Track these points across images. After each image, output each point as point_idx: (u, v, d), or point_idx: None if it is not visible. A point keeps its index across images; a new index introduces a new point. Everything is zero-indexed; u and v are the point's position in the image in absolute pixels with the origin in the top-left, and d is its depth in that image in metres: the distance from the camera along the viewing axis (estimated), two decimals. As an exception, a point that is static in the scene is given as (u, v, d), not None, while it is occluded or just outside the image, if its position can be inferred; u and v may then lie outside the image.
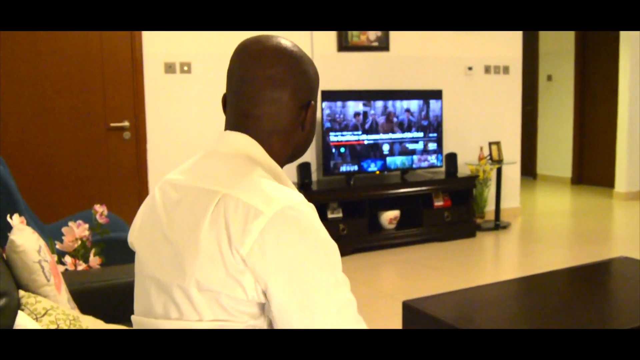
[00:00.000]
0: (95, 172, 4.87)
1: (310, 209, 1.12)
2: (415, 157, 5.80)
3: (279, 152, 1.24)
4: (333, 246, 1.11)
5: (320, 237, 1.10)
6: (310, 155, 5.63)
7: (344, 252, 5.26)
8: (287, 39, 1.24)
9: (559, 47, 9.18)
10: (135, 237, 1.27)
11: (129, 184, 4.96)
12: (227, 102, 1.27)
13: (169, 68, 5.06)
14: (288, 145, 1.25)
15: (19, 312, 1.55)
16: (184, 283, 1.10)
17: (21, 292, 1.70)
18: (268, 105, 1.21)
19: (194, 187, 1.17)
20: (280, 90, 1.20)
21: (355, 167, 5.54)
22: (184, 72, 5.11)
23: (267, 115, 1.21)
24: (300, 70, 1.22)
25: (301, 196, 1.13)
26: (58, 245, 2.75)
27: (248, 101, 1.21)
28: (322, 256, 1.08)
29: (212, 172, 1.19)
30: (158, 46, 5.00)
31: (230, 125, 1.24)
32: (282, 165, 1.26)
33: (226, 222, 1.08)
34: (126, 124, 4.94)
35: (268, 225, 1.06)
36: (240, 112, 1.22)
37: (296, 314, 1.06)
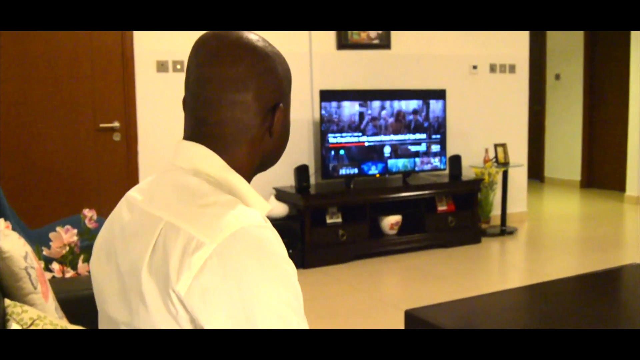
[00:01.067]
0: (84, 175, 4.87)
1: (266, 233, 1.01)
2: (417, 159, 5.80)
3: (245, 163, 1.14)
4: (292, 281, 1.00)
5: (278, 270, 0.99)
6: (308, 158, 5.63)
7: (343, 258, 5.27)
8: (255, 33, 1.16)
9: (568, 44, 9.19)
10: (93, 259, 1.21)
11: (119, 188, 4.95)
12: (185, 107, 1.17)
13: (161, 66, 5.06)
14: (255, 155, 1.15)
15: (7, 323, 1.54)
16: (131, 323, 1.06)
17: (7, 301, 1.69)
18: (229, 110, 1.11)
19: (143, 212, 1.10)
20: (242, 92, 1.10)
21: (355, 170, 5.55)
22: (177, 71, 5.11)
23: (228, 122, 1.11)
24: (265, 68, 1.12)
25: (257, 217, 1.03)
26: (45, 252, 2.75)
27: (206, 106, 1.11)
28: (277, 295, 0.97)
29: (161, 192, 1.11)
30: (150, 44, 5.00)
31: (187, 134, 1.15)
32: (249, 177, 1.16)
33: (165, 257, 0.99)
34: (116, 124, 4.94)
35: (211, 259, 0.96)
36: (197, 118, 1.13)
37: None
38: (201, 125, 1.12)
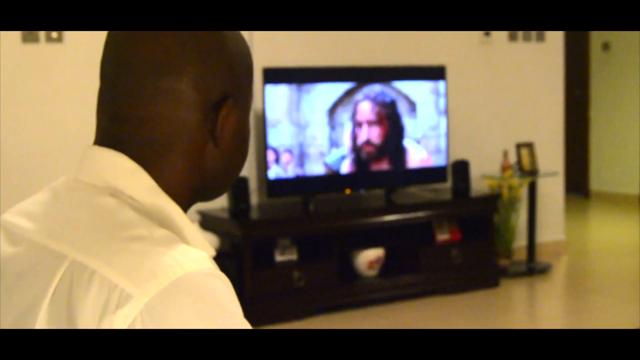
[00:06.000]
0: None
1: (216, 283, 1.02)
2: (406, 167, 5.81)
3: (178, 182, 1.14)
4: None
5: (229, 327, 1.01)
6: (247, 168, 5.60)
7: (301, 313, 5.26)
8: None
9: None
10: None
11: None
12: (98, 102, 1.18)
13: (29, 35, 5.01)
14: (194, 172, 1.15)
15: None
16: None
17: None
18: (154, 103, 1.11)
19: (36, 244, 1.09)
20: (175, 77, 1.11)
21: (316, 184, 5.54)
22: (52, 41, 5.08)
23: (154, 120, 1.11)
24: (211, 45, 1.13)
25: (205, 260, 1.03)
26: None
27: (124, 97, 1.12)
28: None
29: (63, 218, 1.10)
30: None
31: (100, 137, 1.16)
32: (184, 204, 1.16)
33: (70, 311, 0.99)
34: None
35: (141, 318, 0.96)
36: (112, 114, 1.14)
37: None
38: (118, 124, 1.13)
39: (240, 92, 1.17)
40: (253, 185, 5.62)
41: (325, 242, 5.42)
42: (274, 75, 5.40)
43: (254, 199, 5.62)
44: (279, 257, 5.32)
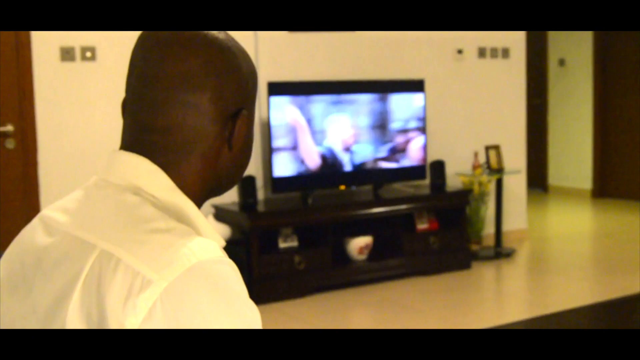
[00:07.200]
0: (-31, 193, 4.79)
1: (225, 269, 1.03)
2: (391, 166, 5.81)
3: (196, 182, 1.15)
4: (255, 327, 1.03)
5: (239, 317, 1.01)
6: (255, 167, 5.61)
7: (301, 291, 5.25)
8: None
9: (573, 23, 9.32)
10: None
11: (13, 207, 4.87)
12: (125, 110, 1.19)
13: (66, 54, 5.00)
14: (210, 172, 1.16)
15: None
16: None
17: None
18: (179, 114, 1.12)
19: (69, 235, 1.09)
20: (197, 92, 1.12)
21: (314, 181, 5.54)
22: (87, 60, 5.06)
23: (178, 129, 1.12)
24: (227, 64, 1.14)
25: (216, 249, 1.05)
26: None
27: (150, 108, 1.13)
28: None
29: (93, 212, 1.11)
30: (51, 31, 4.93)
31: (126, 142, 1.16)
32: (200, 200, 1.17)
33: (100, 295, 0.99)
34: (9, 128, 4.87)
35: (160, 301, 0.97)
36: (139, 123, 1.14)
37: None
38: (143, 132, 1.13)
39: (249, 103, 1.19)
40: (260, 182, 5.63)
41: (322, 231, 5.42)
42: (277, 88, 5.40)
43: (260, 195, 5.62)
44: (282, 244, 5.32)
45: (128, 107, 1.17)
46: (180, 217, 1.11)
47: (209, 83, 1.12)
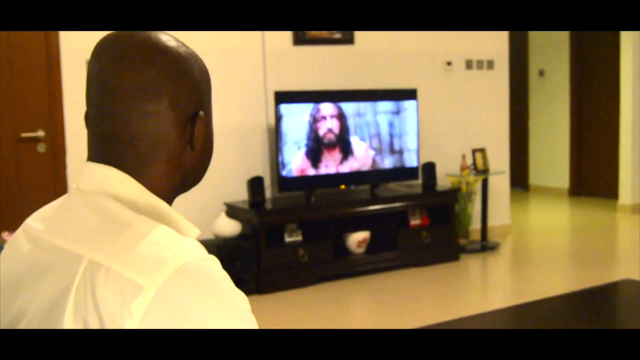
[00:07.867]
0: (4, 192, 4.79)
1: (210, 265, 1.01)
2: (386, 168, 5.83)
3: (164, 183, 1.12)
4: (246, 313, 1.02)
5: (230, 305, 1.00)
6: (263, 168, 5.63)
7: (304, 281, 5.27)
8: (166, 32, 1.13)
9: (552, 37, 9.35)
10: None
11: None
12: (88, 122, 1.13)
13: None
14: (175, 173, 1.13)
15: None
16: None
17: None
18: (140, 124, 1.08)
19: (52, 246, 1.06)
20: (155, 100, 1.08)
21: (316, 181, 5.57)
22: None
23: (141, 137, 1.08)
24: (180, 71, 1.10)
25: (197, 248, 1.02)
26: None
27: (112, 120, 1.08)
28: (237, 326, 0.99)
29: (74, 221, 1.08)
30: (79, 40, 4.95)
31: (93, 154, 1.12)
32: (170, 199, 1.14)
33: (96, 303, 0.96)
34: (40, 134, 4.87)
35: (154, 303, 0.95)
36: (103, 135, 1.10)
37: None
38: (108, 143, 1.10)
39: (205, 105, 1.16)
40: (267, 182, 5.64)
41: (324, 227, 5.43)
42: (282, 97, 5.41)
43: (268, 193, 5.62)
44: (287, 238, 5.33)
45: (90, 120, 1.13)
46: (156, 216, 1.08)
47: (165, 91, 1.08)
